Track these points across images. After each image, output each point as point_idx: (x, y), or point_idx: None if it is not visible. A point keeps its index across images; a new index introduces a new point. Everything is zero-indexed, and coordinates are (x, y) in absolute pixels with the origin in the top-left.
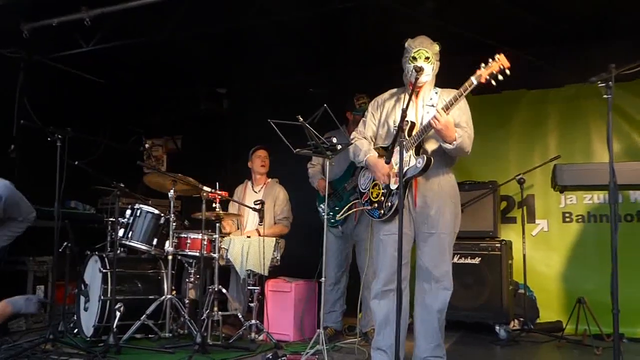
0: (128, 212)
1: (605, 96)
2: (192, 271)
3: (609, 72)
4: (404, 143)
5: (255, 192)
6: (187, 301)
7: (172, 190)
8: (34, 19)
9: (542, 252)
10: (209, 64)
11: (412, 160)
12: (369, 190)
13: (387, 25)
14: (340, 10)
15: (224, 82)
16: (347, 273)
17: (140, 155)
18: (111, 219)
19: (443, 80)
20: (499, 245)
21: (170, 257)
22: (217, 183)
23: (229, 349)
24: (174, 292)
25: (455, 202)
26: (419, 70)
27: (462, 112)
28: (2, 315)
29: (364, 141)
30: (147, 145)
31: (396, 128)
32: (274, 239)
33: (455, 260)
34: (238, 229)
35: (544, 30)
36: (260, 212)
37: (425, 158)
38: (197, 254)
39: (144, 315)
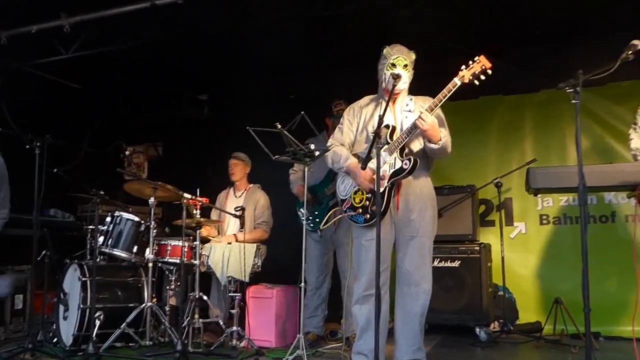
0: (108, 219)
1: (573, 101)
2: (173, 278)
3: (577, 78)
4: (389, 147)
5: (237, 197)
6: (167, 308)
7: (152, 198)
8: (12, 26)
9: (520, 254)
10: (190, 70)
11: (398, 163)
12: (350, 196)
13: (368, 31)
14: (321, 16)
15: (205, 88)
16: (328, 278)
17: (121, 162)
18: (91, 227)
19: (418, 85)
20: (478, 248)
21: (150, 265)
22: (198, 189)
23: (210, 356)
24: (154, 300)
25: (434, 206)
26: (397, 77)
27: (436, 117)
28: None
29: (342, 148)
30: (127, 152)
31: (372, 134)
32: (255, 245)
33: (435, 263)
34: (219, 233)
35: (518, 36)
36: (241, 219)
37: (412, 159)
38: (178, 261)
39: (124, 324)
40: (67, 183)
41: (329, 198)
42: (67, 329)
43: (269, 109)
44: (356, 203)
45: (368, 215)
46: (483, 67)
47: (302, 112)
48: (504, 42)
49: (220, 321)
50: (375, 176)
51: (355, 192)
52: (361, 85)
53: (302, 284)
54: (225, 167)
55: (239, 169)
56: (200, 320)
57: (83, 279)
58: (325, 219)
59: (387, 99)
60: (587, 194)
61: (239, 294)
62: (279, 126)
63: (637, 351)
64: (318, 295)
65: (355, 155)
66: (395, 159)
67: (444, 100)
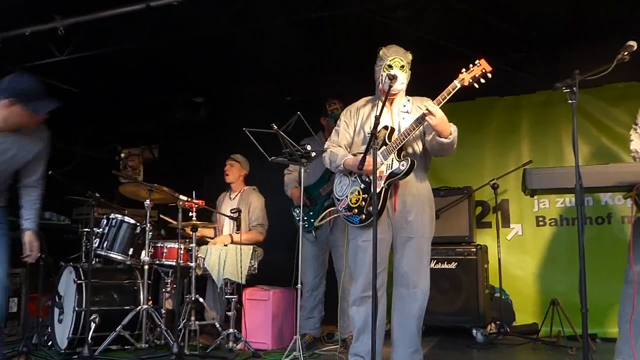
0: (104, 222)
1: (569, 101)
2: (169, 281)
3: (573, 78)
4: (386, 148)
5: (231, 199)
6: (163, 311)
7: (148, 200)
8: (6, 28)
9: (517, 255)
10: (186, 72)
11: (395, 164)
12: (346, 196)
13: (363, 34)
14: (316, 18)
15: (201, 90)
16: (324, 279)
17: (117, 165)
18: (86, 229)
19: (417, 87)
20: (474, 249)
21: (146, 267)
22: (194, 192)
23: (206, 358)
24: (150, 303)
25: (432, 207)
26: (393, 78)
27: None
28: None
29: (339, 148)
30: (123, 155)
31: (369, 134)
32: (251, 247)
33: (432, 265)
34: (216, 235)
35: (515, 38)
36: (237, 221)
37: (410, 160)
38: (174, 264)
39: (119, 326)
40: (63, 186)
41: (324, 199)
42: (62, 332)
43: (265, 111)
44: (352, 203)
45: (363, 216)
46: (483, 71)
47: (298, 113)
48: (500, 44)
49: (216, 323)
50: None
51: (352, 193)
52: (358, 87)
53: (299, 285)
54: (221, 169)
55: (233, 170)
56: (197, 322)
57: (78, 281)
58: (321, 217)
59: (387, 98)
60: (584, 195)
61: (235, 296)
62: (275, 127)
63: (635, 353)
64: (314, 297)
65: (353, 155)
66: (392, 160)
67: (443, 102)
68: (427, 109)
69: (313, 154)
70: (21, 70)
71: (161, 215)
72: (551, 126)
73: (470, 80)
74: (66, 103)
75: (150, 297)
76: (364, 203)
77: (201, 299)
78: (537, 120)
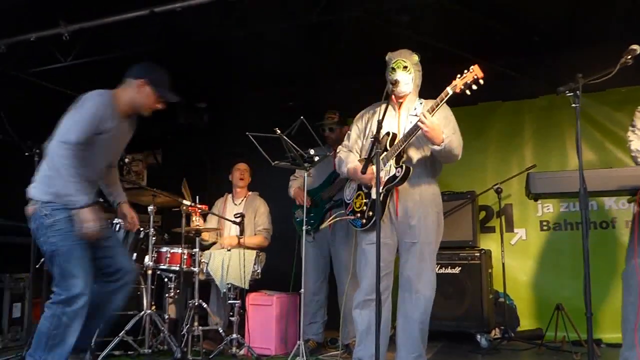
0: None
1: (573, 105)
2: (172, 286)
3: (577, 82)
4: (386, 154)
5: (236, 204)
6: (167, 316)
7: (151, 205)
8: (11, 34)
9: (521, 260)
10: (189, 77)
11: (392, 170)
12: (352, 200)
13: (365, 39)
14: (318, 23)
15: (204, 95)
16: (326, 283)
17: (120, 170)
18: None
19: (420, 90)
20: (478, 254)
21: (149, 272)
22: (197, 196)
23: None
24: (153, 308)
25: (438, 212)
26: (394, 83)
27: (447, 122)
28: None
29: (348, 153)
30: (126, 160)
31: (372, 139)
32: (255, 252)
33: (436, 270)
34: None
35: (516, 42)
36: (241, 225)
37: (404, 167)
38: (177, 269)
39: (122, 332)
40: None
41: (325, 201)
42: None
43: (268, 117)
44: (356, 207)
45: (365, 220)
46: (475, 77)
47: (302, 117)
48: (502, 48)
49: (219, 329)
50: (374, 181)
51: (357, 197)
52: (359, 92)
53: (302, 290)
54: (224, 174)
55: (248, 174)
56: (200, 327)
57: None
58: (331, 219)
59: (389, 103)
60: (588, 199)
61: (238, 301)
62: (279, 131)
63: None
64: (316, 301)
65: (361, 160)
66: (390, 166)
67: (437, 109)
68: (420, 114)
69: (316, 158)
70: (26, 75)
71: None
72: (554, 130)
73: (462, 87)
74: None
75: (153, 302)
76: (365, 208)
77: (204, 304)
78: (539, 125)
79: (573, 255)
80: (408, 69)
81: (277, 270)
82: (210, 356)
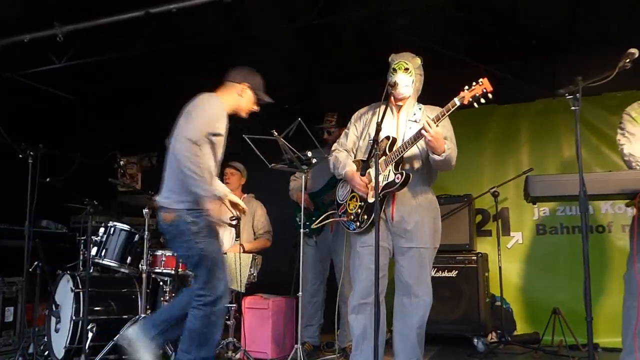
0: (101, 230)
1: (572, 108)
2: (168, 289)
3: (576, 85)
4: (384, 159)
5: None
6: None
7: (146, 208)
8: (5, 35)
9: (517, 264)
10: (184, 79)
11: (391, 175)
12: (346, 201)
13: (364, 41)
14: (316, 25)
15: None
16: (324, 286)
17: (115, 173)
18: (84, 238)
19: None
20: (475, 258)
21: (144, 276)
22: None
23: None
24: (149, 311)
25: (434, 218)
26: (393, 85)
27: (446, 130)
28: None
29: (343, 153)
30: (121, 163)
31: (371, 141)
32: (251, 255)
33: (432, 273)
34: None
35: (513, 46)
36: (236, 228)
37: (404, 174)
38: (172, 272)
39: (117, 336)
40: (60, 194)
41: (328, 205)
42: (59, 341)
43: (265, 119)
44: (350, 209)
45: (358, 223)
46: (484, 90)
47: (299, 119)
48: (499, 52)
49: None
50: (371, 185)
51: (351, 199)
52: (357, 95)
53: (300, 293)
54: (220, 177)
55: (235, 178)
56: None
57: (75, 290)
58: (319, 220)
59: (388, 105)
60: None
61: (234, 305)
62: (276, 133)
63: None
64: (313, 304)
65: (356, 161)
66: (389, 172)
67: (442, 118)
68: (425, 123)
69: (314, 160)
70: (20, 77)
71: None
72: (551, 134)
73: (470, 100)
74: (65, 110)
75: (148, 306)
76: (359, 210)
77: None
78: (536, 128)
79: (570, 259)
80: (409, 71)
81: (273, 273)
82: None
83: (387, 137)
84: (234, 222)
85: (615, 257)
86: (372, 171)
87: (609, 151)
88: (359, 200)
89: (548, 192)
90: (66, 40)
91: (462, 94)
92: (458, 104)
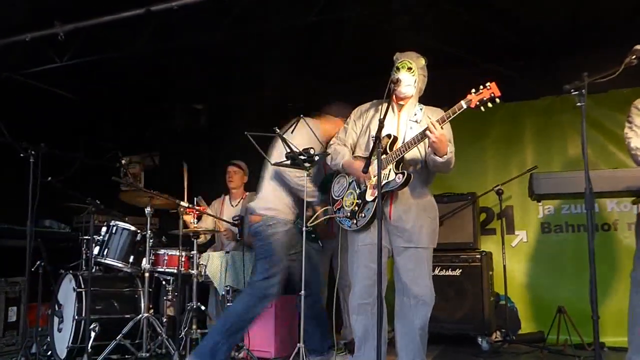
0: (104, 229)
1: (578, 104)
2: (170, 288)
3: (582, 81)
4: (385, 157)
5: (233, 206)
6: (165, 319)
7: (148, 207)
8: (6, 34)
9: (522, 263)
10: (186, 79)
11: (392, 175)
12: (342, 198)
13: (363, 41)
14: (316, 23)
15: (201, 97)
16: (326, 287)
17: (117, 172)
18: (86, 237)
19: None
20: (479, 256)
21: (147, 275)
22: (195, 199)
23: None
24: (151, 311)
25: (432, 218)
26: (395, 82)
27: (448, 132)
28: None
29: (342, 147)
30: (124, 162)
31: (373, 138)
32: (254, 254)
33: (436, 272)
34: (214, 240)
35: (516, 45)
36: (240, 227)
37: (406, 174)
38: (175, 271)
39: (120, 335)
40: (62, 193)
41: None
42: (62, 341)
43: (265, 118)
44: (346, 206)
45: (354, 221)
46: (492, 95)
47: (301, 116)
48: (502, 51)
49: None
50: (370, 182)
51: (348, 196)
52: (358, 94)
53: (302, 292)
54: (222, 176)
55: (238, 177)
56: (198, 330)
57: (78, 289)
58: (313, 217)
59: (390, 102)
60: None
61: None
62: (277, 130)
63: None
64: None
65: (356, 157)
66: (390, 171)
67: (447, 120)
68: (430, 124)
69: (316, 157)
70: (21, 76)
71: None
72: (555, 132)
73: (477, 103)
74: (66, 109)
75: (151, 305)
76: (357, 208)
77: (203, 307)
78: (540, 127)
79: (575, 258)
80: (412, 70)
81: None
82: None
83: (389, 135)
84: (237, 221)
85: (622, 255)
86: (373, 168)
87: (616, 149)
88: (356, 198)
89: (553, 190)
90: (67, 39)
91: (469, 97)
92: (465, 107)
